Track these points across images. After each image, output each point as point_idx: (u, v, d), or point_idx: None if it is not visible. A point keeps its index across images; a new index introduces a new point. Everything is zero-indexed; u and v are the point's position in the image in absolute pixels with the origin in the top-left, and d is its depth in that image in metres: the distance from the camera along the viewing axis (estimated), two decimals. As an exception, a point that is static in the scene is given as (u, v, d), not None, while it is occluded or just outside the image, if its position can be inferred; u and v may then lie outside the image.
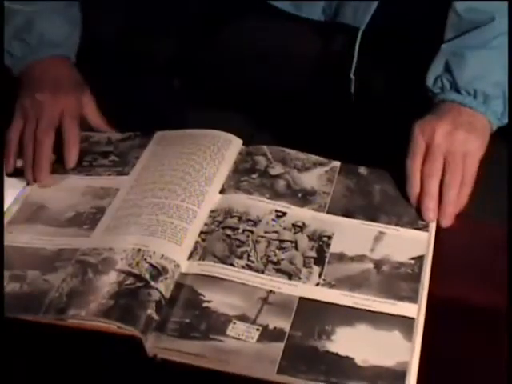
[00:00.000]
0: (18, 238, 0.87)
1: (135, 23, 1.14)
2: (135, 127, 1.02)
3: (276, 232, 0.86)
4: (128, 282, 0.78)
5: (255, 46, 1.10)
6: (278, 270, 0.82)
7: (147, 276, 0.78)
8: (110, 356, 0.73)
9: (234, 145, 0.97)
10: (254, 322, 0.76)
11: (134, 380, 0.74)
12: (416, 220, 0.88)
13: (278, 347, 0.74)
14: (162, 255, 0.81)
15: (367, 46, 1.03)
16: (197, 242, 0.85)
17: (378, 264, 0.82)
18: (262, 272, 0.81)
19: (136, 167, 0.96)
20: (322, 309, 0.78)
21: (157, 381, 0.74)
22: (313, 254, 0.84)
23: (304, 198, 0.91)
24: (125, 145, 1.01)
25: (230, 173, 0.94)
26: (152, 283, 0.78)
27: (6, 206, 0.91)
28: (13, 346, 0.74)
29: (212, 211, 0.88)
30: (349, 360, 0.73)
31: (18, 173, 0.96)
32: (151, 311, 0.75)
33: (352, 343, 0.74)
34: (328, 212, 0.89)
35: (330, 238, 0.85)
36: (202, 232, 0.86)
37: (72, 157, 0.97)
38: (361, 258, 0.83)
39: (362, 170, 0.95)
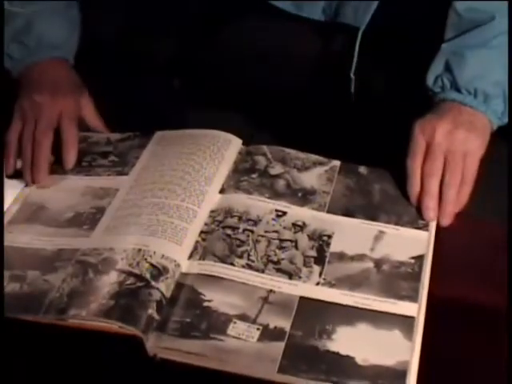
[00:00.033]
0: (18, 238, 0.87)
1: (135, 23, 1.15)
2: (135, 127, 1.02)
3: (276, 231, 0.86)
4: (129, 282, 0.78)
5: (255, 45, 1.10)
6: (279, 270, 0.82)
7: (148, 276, 0.79)
8: (110, 356, 0.73)
9: (233, 145, 0.97)
10: (254, 322, 0.76)
11: (134, 380, 0.74)
12: (416, 219, 0.88)
13: (279, 347, 0.74)
14: (163, 255, 0.81)
15: (367, 46, 1.03)
16: (197, 242, 0.85)
17: (378, 263, 0.82)
18: (263, 271, 0.81)
19: (136, 167, 0.96)
20: (322, 308, 0.78)
21: (157, 381, 0.74)
22: (313, 253, 0.84)
23: (304, 197, 0.91)
24: (124, 145, 1.01)
25: (229, 173, 0.94)
26: (153, 283, 0.78)
27: (6, 206, 0.91)
28: (13, 347, 0.74)
29: (212, 211, 0.88)
30: (349, 359, 0.73)
31: (17, 173, 0.96)
32: (152, 311, 0.75)
33: (352, 342, 0.74)
34: (328, 211, 0.89)
35: (330, 237, 0.85)
36: (202, 232, 0.86)
37: (71, 157, 0.97)
38: (361, 258, 0.83)
39: (362, 169, 0.95)
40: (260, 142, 0.98)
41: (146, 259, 0.80)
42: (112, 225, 0.87)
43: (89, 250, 0.83)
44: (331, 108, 1.08)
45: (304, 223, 0.87)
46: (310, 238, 0.85)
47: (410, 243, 0.85)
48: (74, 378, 0.74)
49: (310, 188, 0.92)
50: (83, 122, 1.02)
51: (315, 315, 0.77)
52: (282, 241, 0.85)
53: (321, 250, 0.84)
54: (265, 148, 0.97)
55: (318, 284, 0.80)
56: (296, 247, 0.84)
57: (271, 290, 0.79)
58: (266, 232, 0.86)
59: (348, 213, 0.89)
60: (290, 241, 0.85)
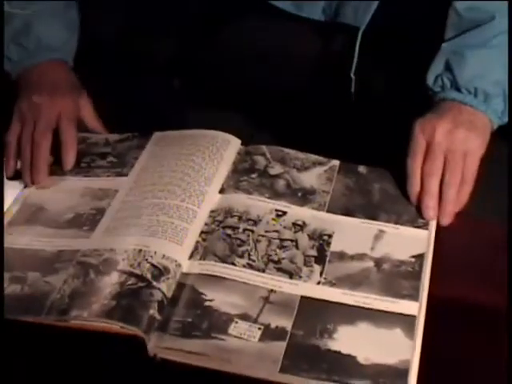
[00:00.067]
0: (18, 239, 0.87)
1: (135, 23, 1.14)
2: (135, 127, 1.02)
3: (276, 231, 0.86)
4: (130, 283, 0.78)
5: (255, 45, 1.10)
6: (279, 269, 0.82)
7: (149, 276, 0.79)
8: (112, 356, 0.73)
9: (232, 145, 0.97)
10: (255, 321, 0.76)
11: (135, 380, 0.74)
12: (416, 218, 0.88)
13: (280, 346, 0.74)
14: (164, 255, 0.81)
15: (367, 46, 1.03)
16: (197, 242, 0.85)
17: (378, 262, 0.83)
18: (263, 271, 0.81)
19: (135, 168, 0.96)
20: (323, 307, 0.78)
21: (158, 381, 0.74)
22: (313, 252, 0.84)
23: (304, 197, 0.91)
24: (123, 146, 1.00)
25: (229, 173, 0.94)
26: (154, 283, 0.78)
27: (6, 207, 0.91)
28: (14, 348, 0.74)
29: (212, 211, 0.89)
30: (351, 358, 0.73)
31: (17, 174, 0.96)
32: (153, 311, 0.75)
33: (354, 341, 0.75)
34: (328, 211, 0.89)
35: (330, 236, 0.86)
36: (202, 232, 0.86)
37: (70, 158, 0.97)
38: (361, 257, 0.83)
39: (362, 168, 0.95)
40: (260, 142, 0.98)
41: (146, 259, 0.80)
42: (112, 226, 0.87)
43: (89, 250, 0.83)
44: (331, 108, 1.08)
45: (304, 223, 0.87)
46: (311, 237, 0.86)
47: (409, 242, 0.85)
48: (75, 378, 0.74)
49: (309, 188, 0.92)
50: (82, 123, 1.02)
51: (316, 314, 0.77)
52: (282, 240, 0.85)
53: (321, 249, 0.84)
54: (264, 148, 0.97)
55: (318, 283, 0.80)
56: (296, 247, 0.84)
57: (272, 290, 0.79)
58: (266, 232, 0.86)
59: (348, 212, 0.89)
60: (291, 240, 0.85)
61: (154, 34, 1.15)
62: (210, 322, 0.76)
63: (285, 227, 0.87)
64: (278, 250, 0.84)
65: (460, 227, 0.87)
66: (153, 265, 0.80)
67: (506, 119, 0.93)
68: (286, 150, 0.97)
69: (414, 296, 0.79)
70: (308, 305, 0.78)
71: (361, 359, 0.73)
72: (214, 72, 1.16)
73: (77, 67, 1.07)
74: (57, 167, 0.97)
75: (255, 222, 0.87)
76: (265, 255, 0.83)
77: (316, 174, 0.94)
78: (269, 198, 0.90)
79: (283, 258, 0.83)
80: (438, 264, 0.82)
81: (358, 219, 0.88)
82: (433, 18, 0.97)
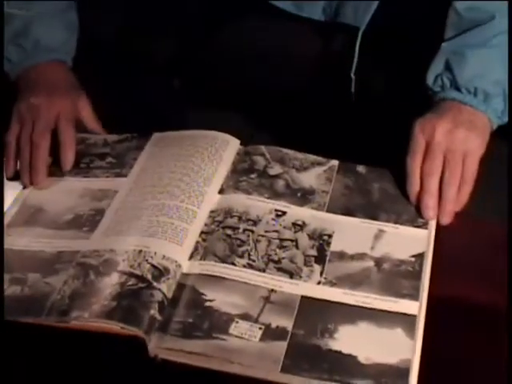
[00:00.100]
0: (17, 240, 0.87)
1: (134, 23, 1.15)
2: (135, 127, 1.01)
3: (276, 231, 0.86)
4: (130, 283, 0.78)
5: (255, 45, 1.10)
6: (279, 269, 0.82)
7: (149, 277, 0.79)
8: (113, 357, 0.73)
9: (231, 145, 0.97)
10: (256, 321, 0.76)
11: (136, 381, 0.74)
12: (415, 218, 0.88)
13: (281, 346, 0.74)
14: (164, 256, 0.81)
15: (367, 46, 1.03)
16: (197, 242, 0.85)
17: (378, 262, 0.83)
18: (264, 271, 0.81)
19: (134, 169, 0.95)
20: (324, 307, 0.78)
21: (159, 382, 0.74)
22: (313, 252, 0.84)
23: (303, 197, 0.91)
24: (121, 146, 1.00)
25: (228, 173, 0.94)
26: (154, 284, 0.78)
27: (6, 207, 0.91)
28: (15, 349, 0.74)
29: (212, 211, 0.88)
30: (352, 358, 0.73)
31: (17, 175, 0.96)
32: (154, 312, 0.75)
33: (355, 341, 0.75)
34: (327, 211, 0.89)
35: (330, 236, 0.86)
36: (202, 232, 0.86)
37: (69, 159, 0.97)
38: (361, 256, 0.83)
39: (361, 168, 0.95)
40: (260, 141, 0.98)
41: (146, 260, 0.80)
42: (112, 226, 0.87)
43: (89, 251, 0.83)
44: (331, 108, 1.08)
45: (304, 223, 0.87)
46: (311, 237, 0.86)
47: (409, 241, 0.85)
48: (76, 379, 0.74)
49: (309, 188, 0.92)
50: (81, 123, 1.02)
51: (317, 314, 0.77)
52: (282, 240, 0.85)
53: (321, 249, 0.84)
54: (263, 148, 0.97)
55: (319, 283, 0.80)
56: (296, 246, 0.84)
57: (272, 290, 0.79)
58: (266, 232, 0.86)
59: (348, 212, 0.89)
60: (291, 240, 0.85)
61: (153, 34, 1.15)
62: (211, 323, 0.76)
63: (285, 227, 0.87)
64: (278, 250, 0.84)
65: (460, 227, 0.87)
66: (153, 265, 0.80)
67: (505, 119, 0.93)
68: (285, 151, 0.97)
69: (414, 295, 0.79)
70: (308, 304, 0.78)
71: (362, 359, 0.73)
72: (214, 72, 1.16)
73: (76, 67, 1.07)
74: (56, 168, 0.97)
75: (255, 222, 0.87)
76: (265, 255, 0.83)
77: (315, 174, 0.94)
78: (268, 198, 0.90)
79: (283, 258, 0.83)
80: (437, 264, 0.82)
81: (357, 219, 0.88)
82: (433, 18, 0.98)
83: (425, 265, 0.82)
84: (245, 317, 0.76)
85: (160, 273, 0.79)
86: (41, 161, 0.95)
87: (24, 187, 0.95)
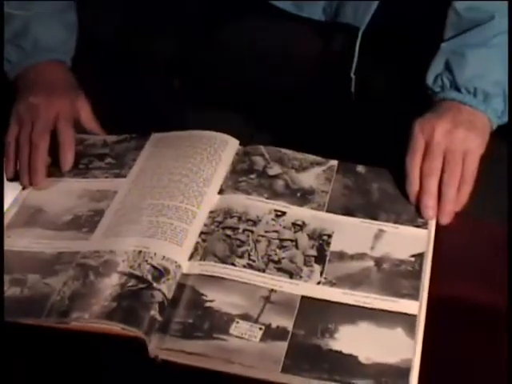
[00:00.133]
0: (17, 242, 0.87)
1: (133, 23, 1.15)
2: (135, 127, 1.01)
3: (276, 231, 0.86)
4: (130, 284, 0.78)
5: (255, 45, 1.10)
6: (279, 269, 0.82)
7: (149, 277, 0.79)
8: (113, 358, 0.73)
9: (230, 146, 0.97)
10: (256, 321, 0.76)
11: (137, 382, 0.74)
12: (415, 218, 0.88)
13: (282, 346, 0.74)
14: (163, 256, 0.81)
15: (367, 46, 1.03)
16: (197, 243, 0.85)
17: (378, 262, 0.83)
18: (263, 271, 0.81)
19: (133, 169, 0.95)
20: (324, 307, 0.78)
21: (160, 382, 0.74)
22: (313, 252, 0.84)
23: (303, 197, 0.91)
24: (121, 147, 1.00)
25: (227, 173, 0.94)
26: (154, 284, 0.78)
27: (6, 207, 0.91)
28: (15, 350, 0.74)
29: (211, 212, 0.88)
30: (352, 358, 0.73)
31: (17, 175, 0.96)
32: (154, 312, 0.75)
33: (355, 341, 0.75)
34: (327, 211, 0.89)
35: (329, 236, 0.86)
36: (202, 232, 0.86)
37: (68, 159, 0.97)
38: (361, 256, 0.83)
39: (360, 168, 0.95)
40: (260, 142, 0.98)
41: (146, 261, 0.80)
42: (111, 227, 0.87)
43: (89, 252, 0.83)
44: (331, 108, 1.08)
45: (304, 223, 0.87)
46: (310, 237, 0.86)
47: (409, 241, 0.85)
48: (76, 380, 0.74)
49: (308, 188, 0.92)
50: (79, 123, 1.02)
51: (317, 314, 0.77)
52: (282, 240, 0.85)
53: (321, 249, 0.84)
54: (262, 148, 0.97)
55: (319, 283, 0.80)
56: (296, 247, 0.84)
57: (273, 290, 0.79)
58: (266, 232, 0.86)
59: (347, 212, 0.89)
60: (291, 240, 0.85)
61: (152, 34, 1.15)
62: (211, 323, 0.76)
63: (284, 227, 0.87)
64: (277, 250, 0.84)
65: (460, 227, 0.87)
66: (153, 266, 0.80)
67: (505, 119, 0.93)
68: (284, 151, 0.97)
69: (414, 295, 0.79)
70: (309, 304, 0.78)
71: (362, 359, 0.73)
72: (214, 72, 1.16)
73: (75, 67, 1.07)
74: (55, 168, 0.97)
75: (255, 223, 0.87)
76: (265, 255, 0.83)
77: (314, 174, 0.94)
78: (268, 198, 0.90)
79: (283, 258, 0.83)
80: (437, 264, 0.82)
81: (357, 219, 0.88)
82: (433, 18, 0.98)
83: (425, 265, 0.82)
84: (245, 317, 0.76)
85: (160, 273, 0.79)
86: (40, 161, 0.95)
87: (23, 188, 0.95)
